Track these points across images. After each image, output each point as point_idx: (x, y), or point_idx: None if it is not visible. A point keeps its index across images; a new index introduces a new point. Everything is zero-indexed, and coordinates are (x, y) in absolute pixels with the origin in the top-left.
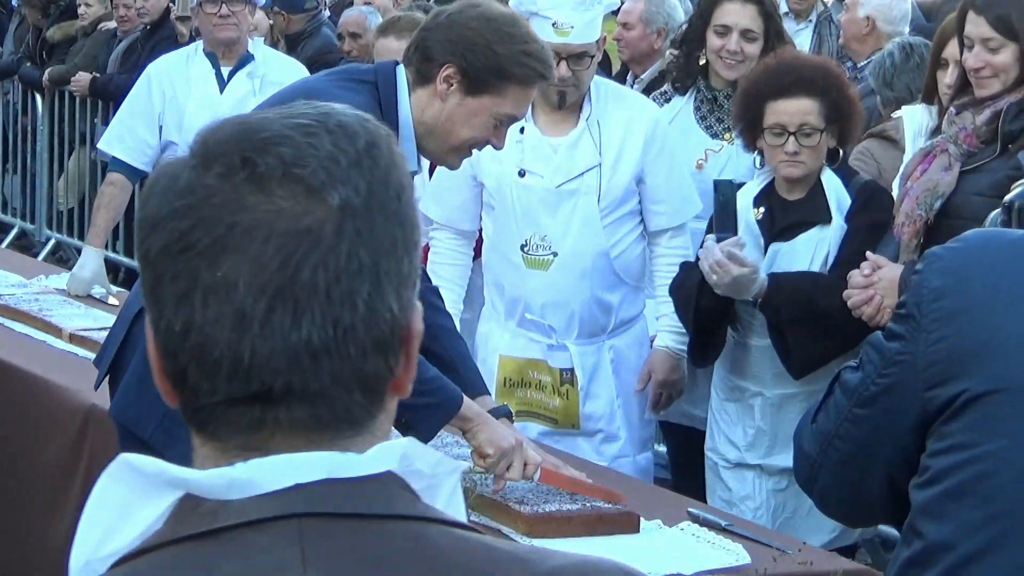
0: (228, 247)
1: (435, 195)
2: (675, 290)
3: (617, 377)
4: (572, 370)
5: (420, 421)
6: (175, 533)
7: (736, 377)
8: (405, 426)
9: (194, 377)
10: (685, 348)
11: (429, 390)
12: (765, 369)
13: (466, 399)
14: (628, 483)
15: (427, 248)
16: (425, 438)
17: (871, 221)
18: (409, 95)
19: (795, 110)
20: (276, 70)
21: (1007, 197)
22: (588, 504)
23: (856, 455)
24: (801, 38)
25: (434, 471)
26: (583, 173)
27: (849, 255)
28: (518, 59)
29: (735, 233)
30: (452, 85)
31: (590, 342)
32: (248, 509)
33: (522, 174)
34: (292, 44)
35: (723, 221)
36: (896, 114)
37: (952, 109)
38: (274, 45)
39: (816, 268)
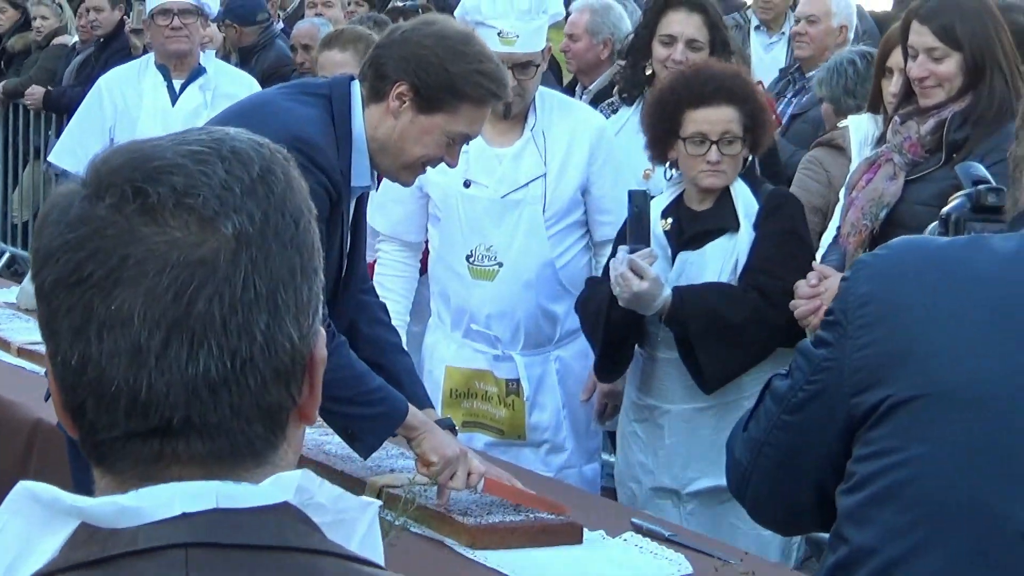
0: (122, 279)
1: (381, 207)
2: (582, 304)
3: (563, 388)
4: (518, 381)
5: (366, 432)
6: (67, 561)
7: (645, 395)
8: (351, 437)
9: (92, 411)
10: None
11: (375, 400)
12: (674, 382)
13: (412, 408)
14: (572, 494)
15: (374, 262)
16: (372, 448)
17: (779, 228)
18: (363, 111)
19: (717, 118)
20: (228, 83)
21: (944, 209)
22: (531, 515)
23: (785, 462)
24: (775, 51)
25: (336, 506)
26: (528, 183)
27: (758, 263)
28: (471, 78)
29: (648, 244)
30: (405, 103)
31: (536, 353)
32: (136, 538)
33: (467, 184)
34: (245, 57)
35: (636, 232)
36: (843, 123)
37: (897, 118)
38: (226, 58)
39: (725, 277)
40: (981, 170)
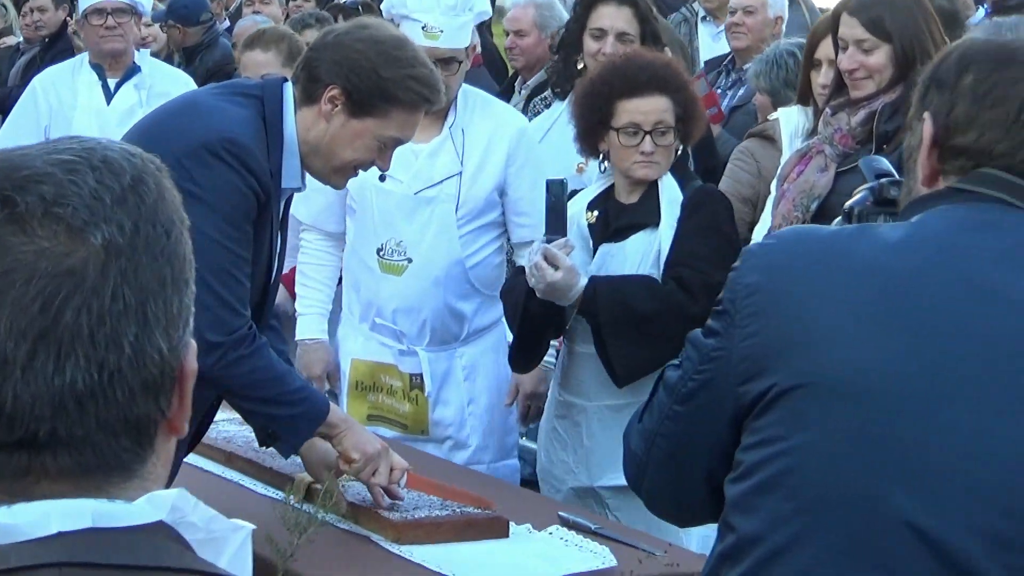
0: None
1: (303, 196)
2: (505, 294)
3: (470, 383)
4: (422, 376)
5: (288, 431)
6: None
7: (565, 391)
8: (272, 437)
9: None
10: (553, 360)
11: (296, 400)
12: (591, 377)
13: (332, 406)
14: (503, 489)
15: (292, 270)
16: (294, 447)
17: (703, 224)
18: (295, 113)
19: (651, 108)
20: (163, 81)
21: (847, 203)
22: (457, 510)
23: (677, 452)
24: (723, 41)
25: (208, 526)
26: (442, 181)
27: (679, 256)
28: (403, 83)
29: (564, 234)
30: (336, 106)
31: (441, 349)
32: (10, 556)
33: (382, 179)
34: (189, 57)
35: (553, 222)
36: (773, 115)
37: (828, 110)
38: (169, 58)
39: (645, 270)
40: (884, 163)
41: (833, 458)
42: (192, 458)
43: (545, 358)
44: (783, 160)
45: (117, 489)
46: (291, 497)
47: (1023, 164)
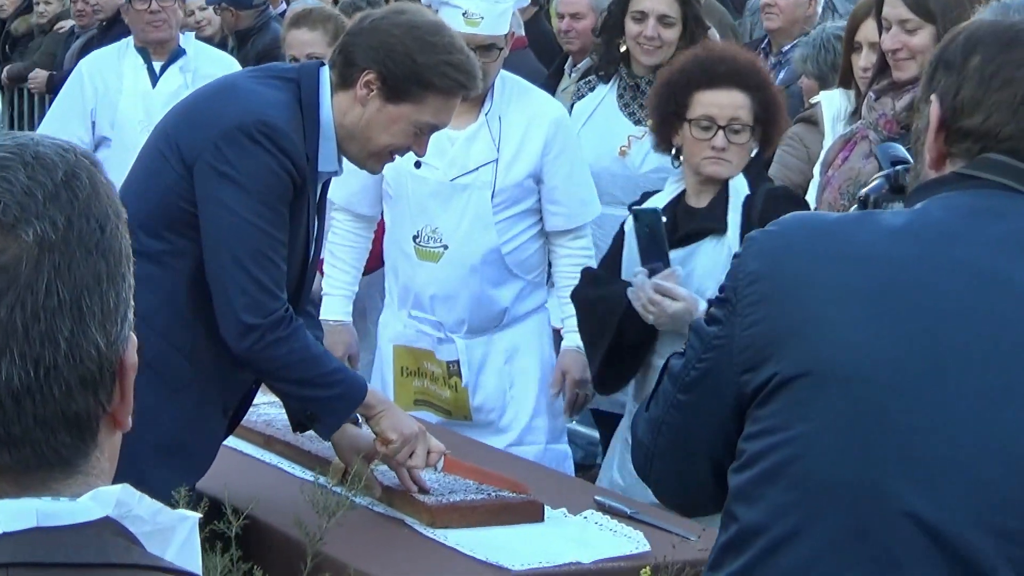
0: None
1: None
2: (588, 303)
3: (511, 366)
4: (459, 363)
5: (326, 412)
6: None
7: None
8: (311, 418)
9: None
10: None
11: (333, 381)
12: None
13: (370, 387)
14: (539, 472)
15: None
16: (332, 428)
17: None
18: (331, 97)
19: (727, 102)
20: (207, 64)
21: (862, 191)
22: (492, 494)
23: (681, 441)
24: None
25: (155, 518)
26: (478, 168)
27: None
28: (439, 69)
29: (665, 262)
30: (372, 91)
31: (478, 336)
32: None
33: (418, 165)
34: (242, 40)
35: (650, 251)
36: (815, 99)
37: (871, 95)
38: (223, 41)
39: (718, 278)
40: (900, 150)
41: (834, 448)
42: (231, 441)
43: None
44: (826, 145)
45: (60, 485)
46: (320, 479)
47: None
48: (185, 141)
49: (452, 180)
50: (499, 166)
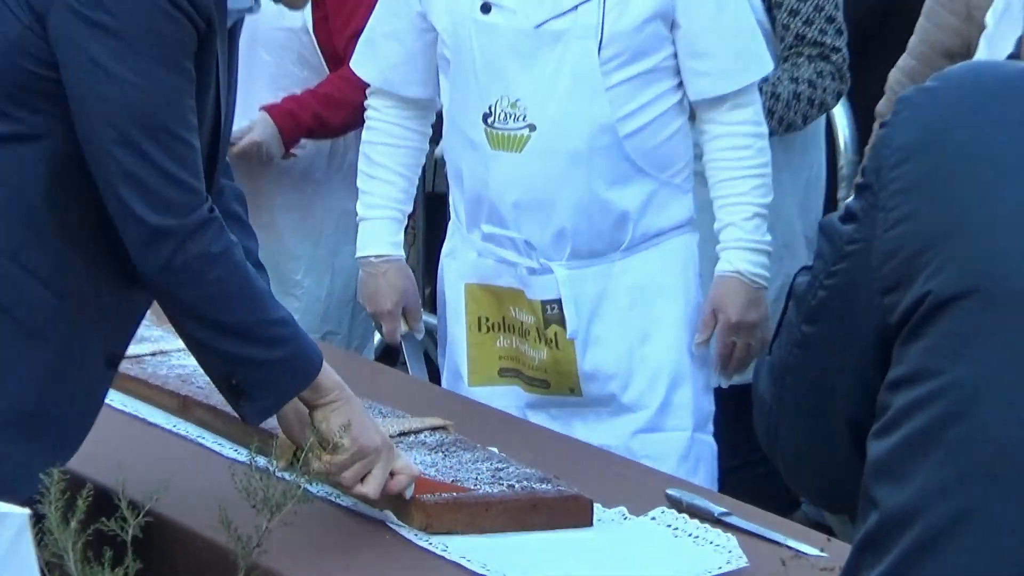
0: None
1: (369, 45)
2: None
3: (641, 312)
4: (560, 303)
5: (258, 385)
6: None
7: None
8: (235, 392)
9: None
10: (764, 273)
11: (276, 337)
12: None
13: (326, 364)
14: (591, 455)
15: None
16: (266, 411)
17: None
18: None
19: None
20: None
21: None
22: (519, 485)
23: (811, 395)
24: None
25: None
26: (576, 7)
27: None
28: None
29: None
30: None
31: (591, 263)
32: None
33: (486, 9)
34: None
35: None
36: None
37: None
38: None
39: None
40: None
41: (1016, 399)
42: (131, 404)
43: (752, 268)
44: None
45: None
46: (259, 459)
47: None
48: None
49: (538, 26)
50: (608, 2)
